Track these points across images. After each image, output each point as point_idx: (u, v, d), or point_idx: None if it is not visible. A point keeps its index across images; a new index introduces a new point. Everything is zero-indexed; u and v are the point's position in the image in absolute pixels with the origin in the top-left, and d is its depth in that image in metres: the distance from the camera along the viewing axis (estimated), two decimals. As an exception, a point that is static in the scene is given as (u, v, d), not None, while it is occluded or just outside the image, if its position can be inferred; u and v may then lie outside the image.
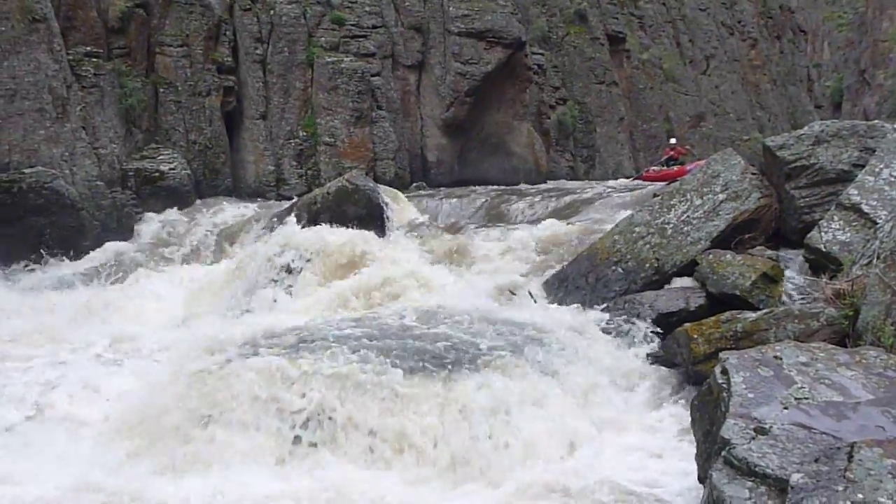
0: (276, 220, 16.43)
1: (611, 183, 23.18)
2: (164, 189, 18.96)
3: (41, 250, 15.93)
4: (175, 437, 7.24)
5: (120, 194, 18.19)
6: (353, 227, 14.27)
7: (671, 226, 10.29)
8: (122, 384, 8.96)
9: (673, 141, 27.24)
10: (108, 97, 18.79)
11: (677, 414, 7.63)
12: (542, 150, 26.85)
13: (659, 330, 8.86)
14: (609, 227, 11.74)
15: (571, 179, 27.49)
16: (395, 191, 18.31)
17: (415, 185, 23.32)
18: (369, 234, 14.03)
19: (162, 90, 20.36)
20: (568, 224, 14.68)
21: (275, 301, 12.39)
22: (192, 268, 15.88)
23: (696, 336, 7.94)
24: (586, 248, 11.16)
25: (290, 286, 12.81)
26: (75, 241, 16.58)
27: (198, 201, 19.72)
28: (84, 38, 19.07)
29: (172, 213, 18.62)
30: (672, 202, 10.59)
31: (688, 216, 10.28)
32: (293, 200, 18.13)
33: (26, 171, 16.25)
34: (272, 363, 7.67)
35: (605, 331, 9.12)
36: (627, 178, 26.88)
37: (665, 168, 24.35)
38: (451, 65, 24.33)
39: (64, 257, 16.24)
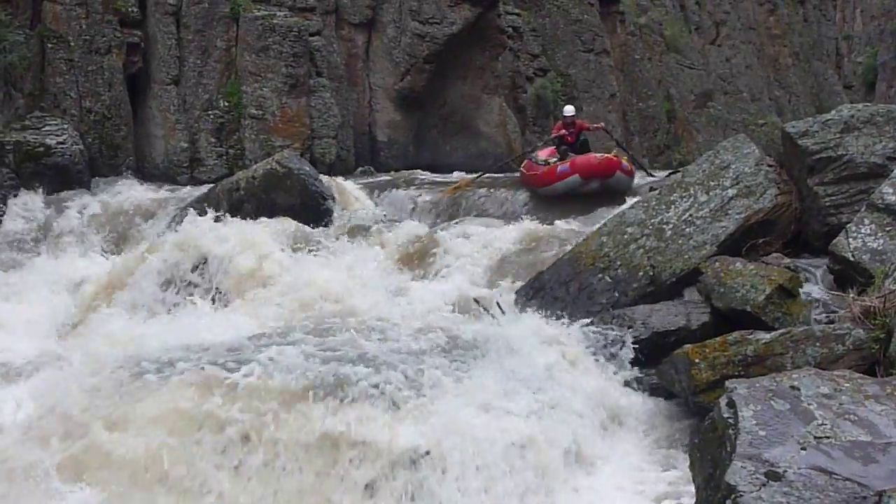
0: (186, 210, 16.28)
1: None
2: (50, 167, 18.64)
3: None
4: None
5: (-6, 173, 17.95)
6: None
7: (670, 226, 10.38)
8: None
9: (569, 111, 19.84)
10: (-18, 52, 18.53)
11: (673, 455, 7.69)
12: (517, 131, 26.88)
13: (653, 352, 8.91)
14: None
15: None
16: (336, 178, 18.32)
17: (360, 169, 23.25)
18: (306, 230, 14.10)
19: (50, 46, 20.07)
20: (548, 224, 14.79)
21: (172, 313, 12.30)
22: (74, 268, 15.63)
23: (697, 360, 8.00)
24: (568, 251, 11.20)
25: (193, 295, 12.75)
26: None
27: (92, 183, 19.46)
28: (-47, -21, 18.81)
29: (57, 198, 18.34)
30: (672, 198, 10.69)
31: (690, 215, 10.38)
32: (210, 186, 18.00)
33: None
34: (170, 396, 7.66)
35: (587, 352, 9.16)
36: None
37: (555, 162, 18.00)
38: (407, 24, 24.29)
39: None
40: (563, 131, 19.07)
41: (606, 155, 17.73)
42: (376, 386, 7.72)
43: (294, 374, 7.87)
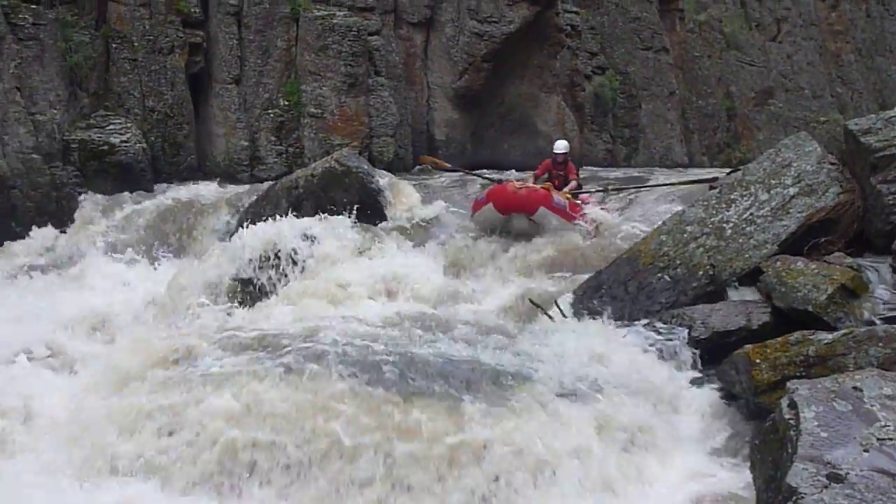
0: (247, 209, 16.43)
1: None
2: (113, 165, 18.94)
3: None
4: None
5: (60, 171, 18.23)
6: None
7: (730, 225, 10.29)
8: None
9: (560, 147, 16.47)
10: (49, 52, 18.78)
11: (733, 456, 7.62)
12: (575, 130, 26.80)
13: (713, 352, 8.84)
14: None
15: (609, 165, 27.43)
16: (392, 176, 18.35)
17: (418, 167, 23.30)
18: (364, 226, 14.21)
19: (114, 45, 20.32)
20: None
21: (231, 313, 12.41)
22: (140, 268, 15.85)
23: (758, 361, 7.93)
24: (626, 249, 11.15)
25: (257, 293, 12.87)
26: (4, 225, 16.66)
27: (154, 181, 19.70)
28: (21, -19, 19.10)
29: (122, 196, 18.59)
30: (732, 196, 10.59)
31: (751, 214, 10.29)
32: (270, 184, 18.13)
33: (-53, 140, 16.32)
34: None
35: (647, 352, 9.11)
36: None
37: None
38: (465, 23, 24.30)
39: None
40: (552, 171, 16.04)
41: (531, 185, 14.61)
42: (439, 385, 7.76)
43: (358, 370, 7.93)
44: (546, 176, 15.98)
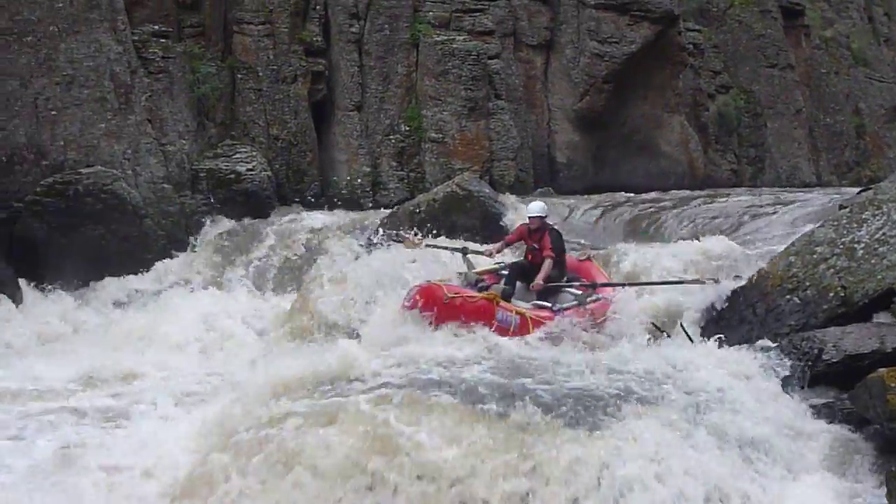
0: (370, 235, 16.61)
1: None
2: (240, 193, 19.31)
3: (97, 265, 16.39)
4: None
5: (189, 199, 18.69)
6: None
7: (862, 245, 10.00)
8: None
9: (535, 210, 12.40)
10: (177, 84, 19.33)
11: (868, 483, 7.40)
12: (699, 150, 26.49)
13: (845, 377, 8.60)
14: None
15: (734, 185, 26.98)
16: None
17: (539, 190, 23.24)
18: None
19: (240, 76, 20.84)
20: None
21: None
22: (264, 297, 16.11)
23: (893, 385, 7.68)
24: (754, 272, 10.94)
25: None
26: (136, 253, 17.06)
27: (279, 208, 20.02)
28: (151, 15, 19.67)
29: (247, 223, 18.90)
30: (864, 216, 10.30)
31: (884, 234, 9.98)
32: (392, 209, 18.30)
33: (83, 171, 16.82)
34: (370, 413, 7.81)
35: (775, 377, 8.91)
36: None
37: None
38: (586, 44, 24.24)
39: (123, 273, 16.72)
40: (527, 240, 12.42)
41: (470, 293, 10.91)
42: (558, 407, 7.72)
43: (481, 394, 7.96)
44: (527, 247, 12.51)
